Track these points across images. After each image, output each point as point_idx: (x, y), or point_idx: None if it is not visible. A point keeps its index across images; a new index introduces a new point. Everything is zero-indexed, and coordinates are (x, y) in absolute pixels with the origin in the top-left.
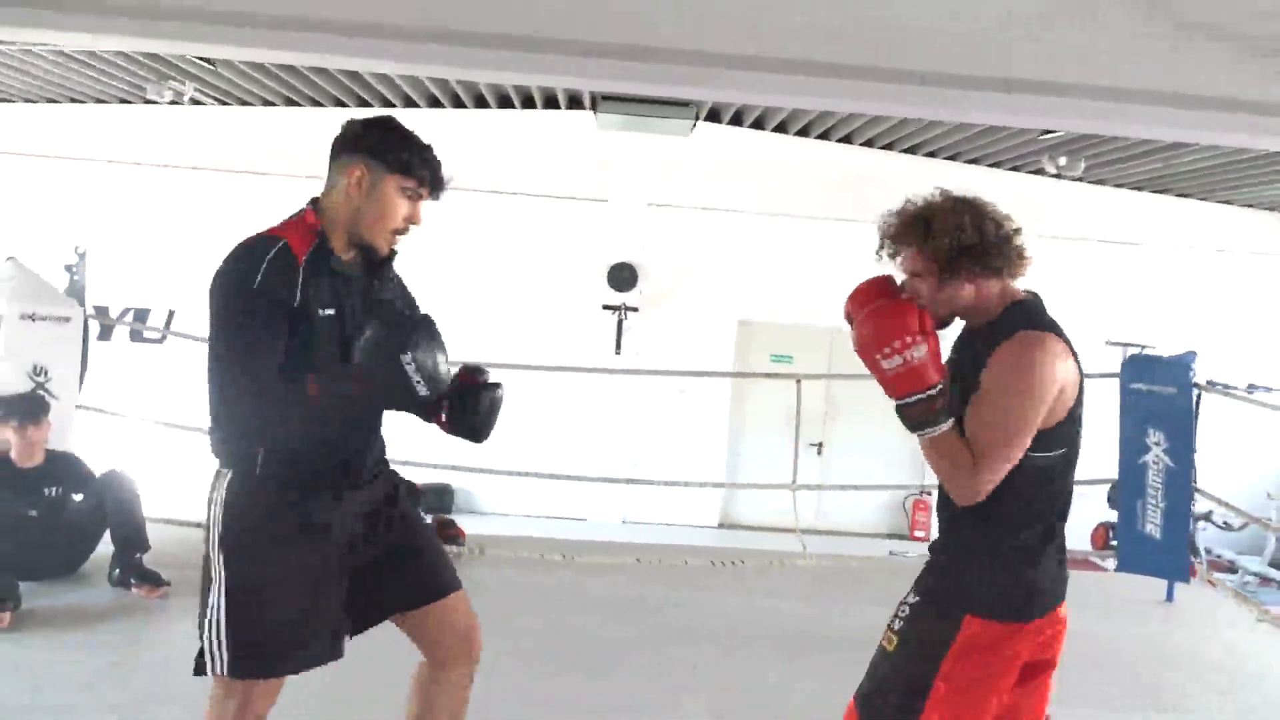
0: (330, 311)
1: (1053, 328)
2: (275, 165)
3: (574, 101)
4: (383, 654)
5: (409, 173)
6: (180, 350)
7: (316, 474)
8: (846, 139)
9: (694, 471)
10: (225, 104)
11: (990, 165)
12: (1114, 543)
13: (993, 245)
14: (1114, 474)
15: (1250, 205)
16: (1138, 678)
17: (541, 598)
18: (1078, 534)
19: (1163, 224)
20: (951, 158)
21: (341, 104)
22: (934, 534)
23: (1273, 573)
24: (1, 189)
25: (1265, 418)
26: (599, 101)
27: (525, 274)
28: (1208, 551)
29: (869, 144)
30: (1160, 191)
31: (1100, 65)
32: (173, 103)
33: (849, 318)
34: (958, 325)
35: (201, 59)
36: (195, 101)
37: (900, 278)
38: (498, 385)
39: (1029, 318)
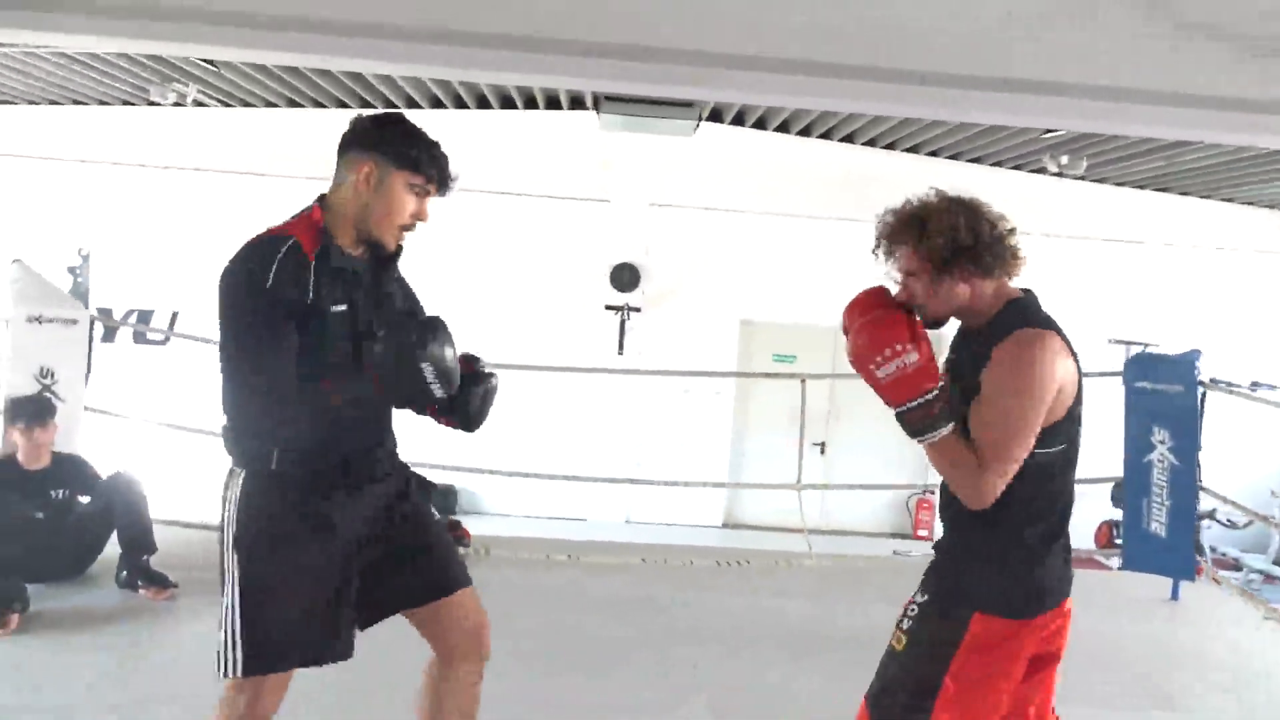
0: (342, 307)
1: (1050, 325)
2: (278, 167)
3: (576, 102)
4: (392, 649)
5: (417, 169)
6: (184, 352)
7: (329, 471)
8: (848, 139)
9: (697, 471)
10: (228, 105)
11: (992, 164)
12: (1118, 541)
13: (987, 245)
14: (1117, 472)
15: (1252, 203)
16: (1142, 676)
17: (547, 598)
18: (1081, 532)
19: (1164, 222)
20: (953, 157)
21: (344, 105)
22: (937, 533)
23: (1277, 570)
24: (5, 191)
25: (1268, 415)
26: (602, 102)
27: (527, 274)
28: (1212, 549)
29: (871, 144)
30: (1162, 190)
31: (1100, 65)
32: (176, 104)
33: (846, 331)
34: (954, 326)
35: (204, 60)
36: (198, 103)
37: (896, 280)
38: (492, 375)
39: (1025, 316)
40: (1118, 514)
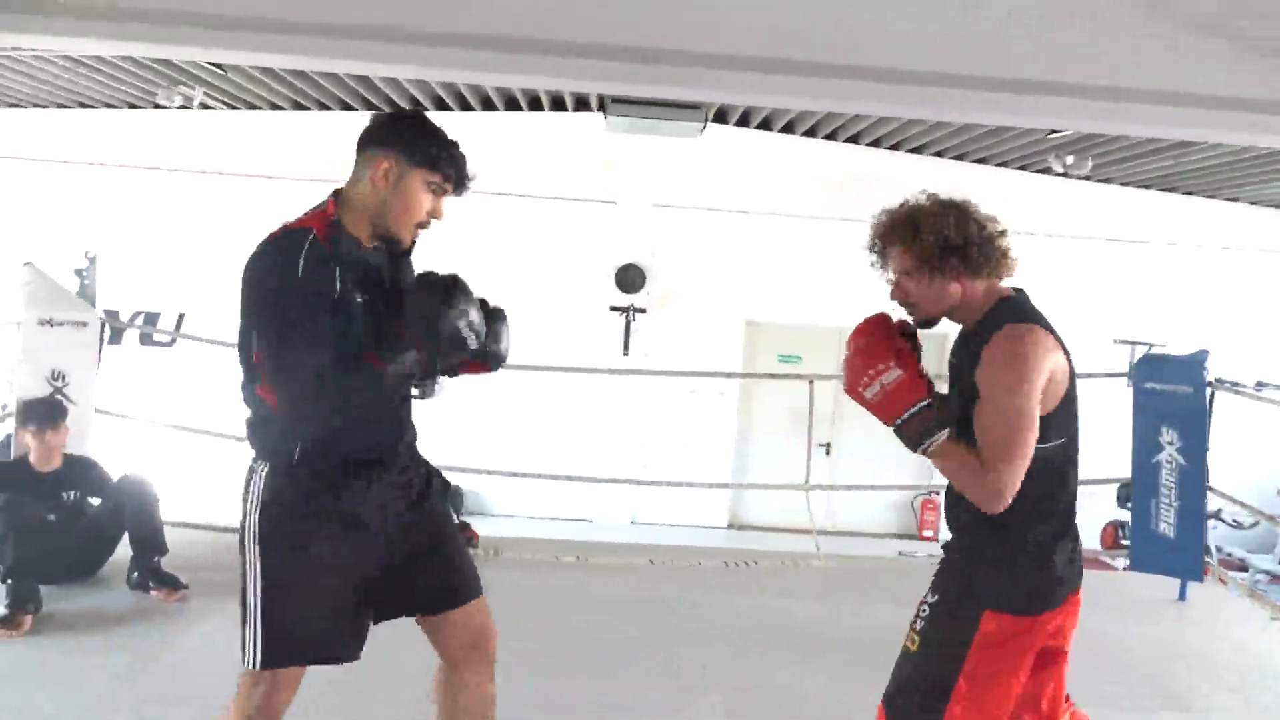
0: (365, 298)
1: (1036, 319)
2: (283, 169)
3: (581, 103)
4: (397, 649)
5: (436, 168)
6: (190, 353)
7: (352, 464)
8: (853, 139)
9: (702, 472)
10: (234, 108)
11: (997, 165)
12: (1123, 542)
13: (977, 245)
14: (1122, 473)
15: (1256, 203)
16: (1150, 677)
17: (555, 599)
18: (1086, 533)
19: (1169, 222)
20: (958, 157)
21: (349, 108)
22: (942, 534)
23: None
24: (11, 194)
25: (1274, 415)
26: (608, 104)
27: (533, 276)
28: (1218, 549)
29: (876, 144)
30: (1167, 190)
31: (1100, 65)
32: (182, 107)
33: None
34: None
35: (211, 64)
36: (204, 106)
37: (890, 280)
38: (501, 310)
39: (1014, 312)
40: (1123, 515)
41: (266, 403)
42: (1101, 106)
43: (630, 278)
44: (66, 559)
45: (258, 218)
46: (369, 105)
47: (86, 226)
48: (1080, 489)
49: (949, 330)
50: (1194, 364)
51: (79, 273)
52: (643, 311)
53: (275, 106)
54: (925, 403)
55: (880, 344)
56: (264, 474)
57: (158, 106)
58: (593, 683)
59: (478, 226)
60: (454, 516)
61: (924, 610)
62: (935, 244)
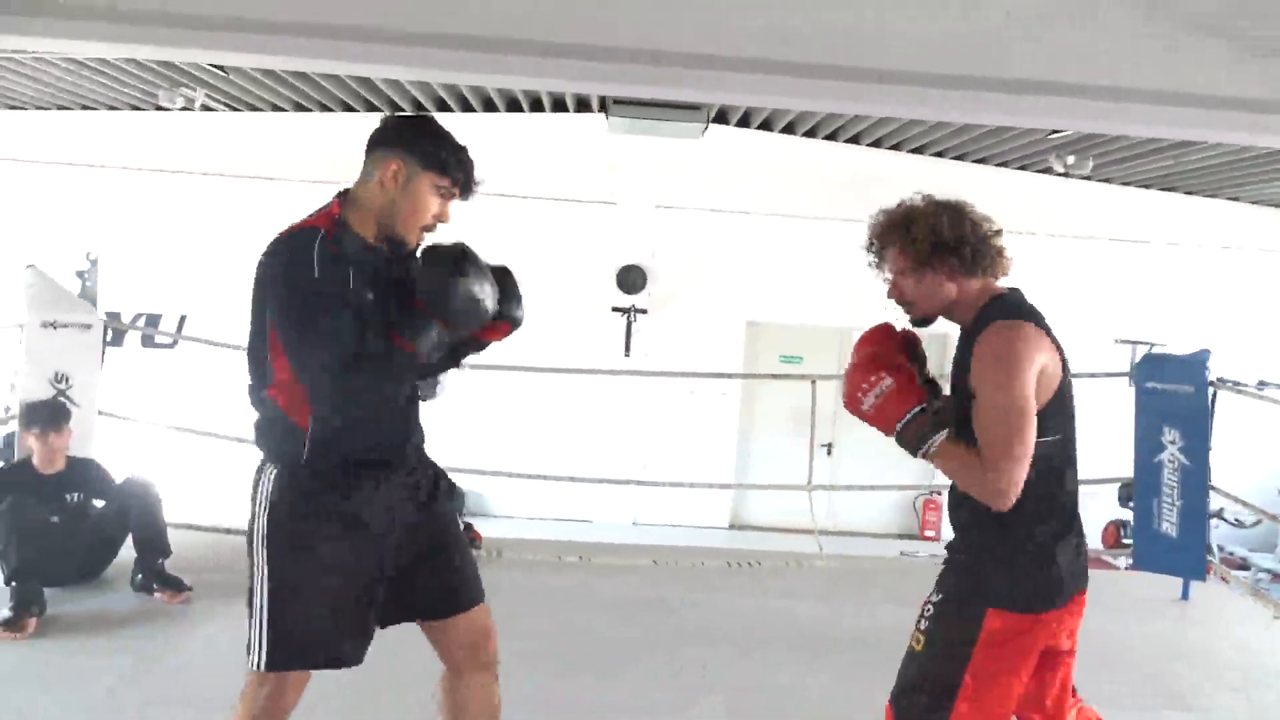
0: (374, 295)
1: (1029, 316)
2: (285, 170)
3: (582, 104)
4: (402, 650)
5: (444, 171)
6: (192, 355)
7: (360, 466)
8: (854, 140)
9: (704, 473)
10: (236, 110)
11: (998, 165)
12: (1125, 541)
13: (971, 245)
14: (1125, 472)
15: (1257, 202)
16: (1152, 676)
17: (557, 599)
18: (1088, 532)
19: (1170, 222)
20: (959, 157)
21: (351, 109)
22: (944, 534)
23: None
24: (13, 196)
25: (1276, 414)
26: (610, 105)
27: (534, 277)
28: (1221, 549)
29: (876, 144)
30: (1168, 189)
31: (1100, 65)
32: (184, 109)
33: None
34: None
35: (212, 65)
36: (206, 108)
37: (886, 279)
38: (509, 269)
39: (1005, 309)
40: (1124, 514)
41: (275, 404)
42: (1101, 106)
43: (631, 278)
44: (70, 561)
45: (259, 219)
46: (370, 107)
47: (88, 228)
48: (1082, 488)
49: (949, 330)
50: (1195, 363)
51: (80, 274)
52: (644, 312)
53: (277, 108)
54: (919, 408)
55: (875, 356)
56: (272, 476)
57: (159, 108)
58: (595, 683)
59: (479, 227)
60: (461, 522)
61: (928, 610)
62: (930, 244)
